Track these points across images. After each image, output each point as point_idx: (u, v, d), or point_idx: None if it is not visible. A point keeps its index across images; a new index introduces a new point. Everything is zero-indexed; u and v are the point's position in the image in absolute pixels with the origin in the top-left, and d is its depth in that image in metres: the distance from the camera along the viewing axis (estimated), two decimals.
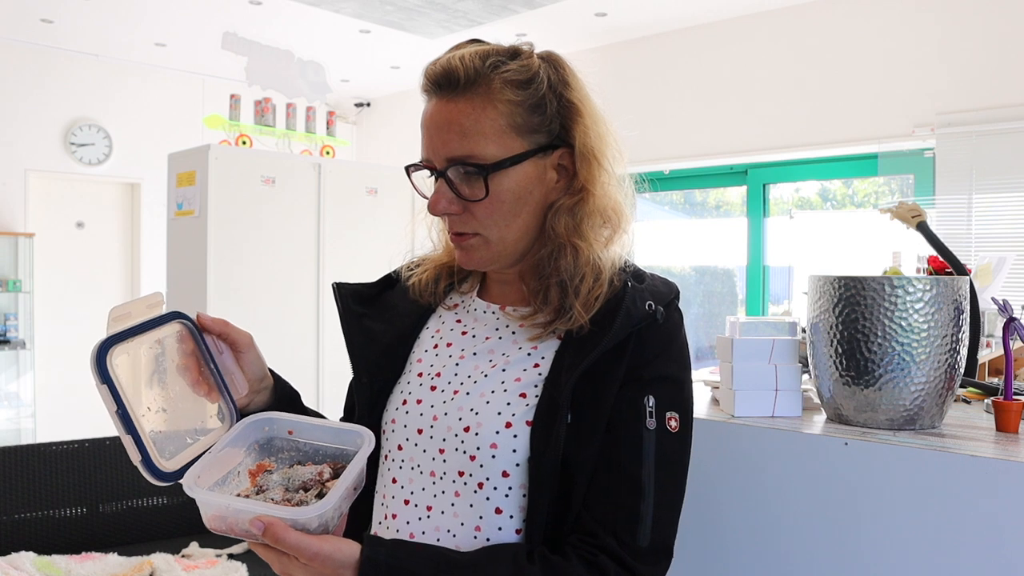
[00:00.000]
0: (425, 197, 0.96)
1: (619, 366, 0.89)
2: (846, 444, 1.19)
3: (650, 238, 5.43)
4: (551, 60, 0.94)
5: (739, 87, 4.71)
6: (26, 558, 2.36)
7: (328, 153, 3.99)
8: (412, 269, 1.07)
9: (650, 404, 0.89)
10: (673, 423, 0.91)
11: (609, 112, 0.97)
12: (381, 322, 1.04)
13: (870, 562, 1.16)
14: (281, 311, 3.60)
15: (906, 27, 4.12)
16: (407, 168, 0.97)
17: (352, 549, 0.79)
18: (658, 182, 5.39)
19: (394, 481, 0.95)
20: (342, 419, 1.12)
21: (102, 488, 2.68)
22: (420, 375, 0.98)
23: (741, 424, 1.31)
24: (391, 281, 1.10)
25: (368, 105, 7.01)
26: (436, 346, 1.00)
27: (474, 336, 0.99)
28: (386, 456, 0.97)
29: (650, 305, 0.92)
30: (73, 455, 2.66)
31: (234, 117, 3.84)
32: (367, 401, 0.99)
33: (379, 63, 5.86)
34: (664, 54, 5.05)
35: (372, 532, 0.97)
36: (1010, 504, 1.05)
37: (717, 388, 1.49)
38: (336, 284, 1.07)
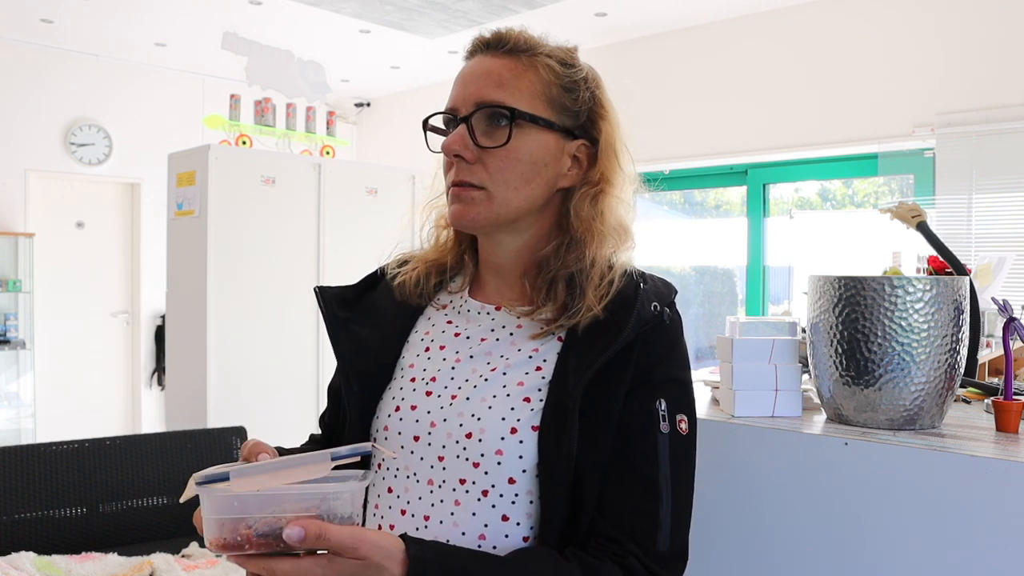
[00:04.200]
0: (434, 151, 0.96)
1: (626, 368, 0.88)
2: (846, 444, 1.19)
3: (650, 238, 5.43)
4: (591, 66, 0.98)
5: (739, 87, 4.71)
6: (26, 558, 2.35)
7: (328, 153, 3.99)
8: (398, 268, 1.04)
9: (662, 408, 0.89)
10: (683, 425, 0.90)
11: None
12: (367, 326, 0.99)
13: (870, 562, 1.16)
14: (281, 311, 3.60)
15: (906, 27, 4.12)
16: (425, 120, 0.96)
17: (394, 540, 0.75)
18: (658, 182, 5.37)
19: (390, 491, 0.92)
20: (321, 419, 1.08)
21: (102, 488, 2.68)
22: (413, 380, 0.94)
23: (741, 424, 1.31)
24: (373, 281, 1.06)
25: (368, 105, 7.00)
26: (428, 349, 0.96)
27: (468, 338, 0.95)
28: (379, 465, 0.94)
29: (655, 306, 0.91)
30: (73, 455, 2.66)
31: (234, 117, 3.84)
32: (358, 409, 0.94)
33: (379, 63, 5.86)
34: (664, 54, 5.05)
35: None
36: (1010, 504, 1.05)
37: (717, 388, 1.49)
38: (318, 289, 1.03)
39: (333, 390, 1.06)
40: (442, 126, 0.95)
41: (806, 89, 4.46)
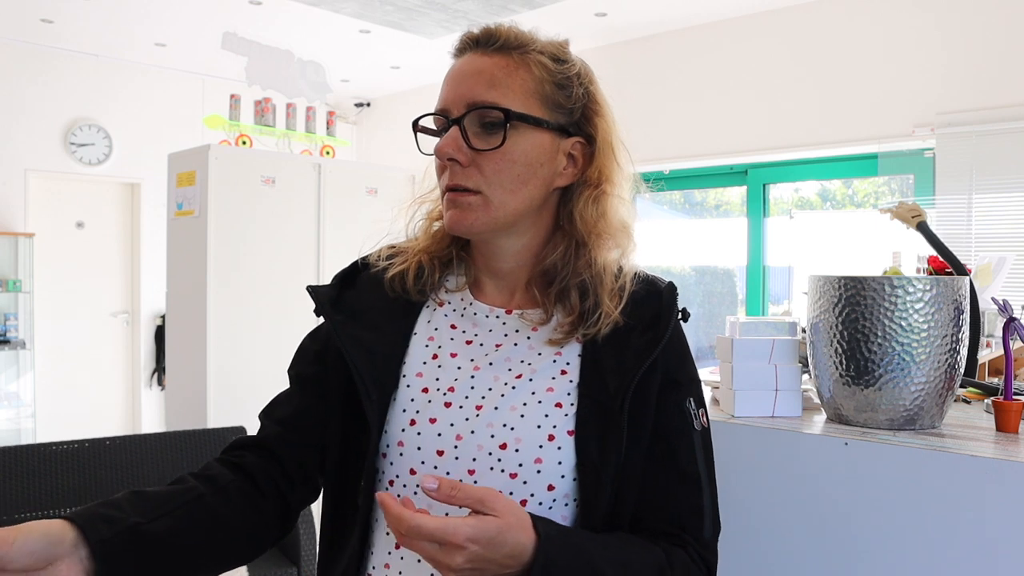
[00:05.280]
0: (425, 154, 0.93)
1: (655, 368, 0.89)
2: (846, 444, 1.19)
3: (650, 238, 5.43)
4: (584, 60, 0.96)
5: (739, 87, 4.71)
6: None
7: (328, 153, 3.99)
8: (388, 260, 0.98)
9: (692, 406, 0.92)
10: (705, 420, 0.94)
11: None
12: (365, 328, 0.92)
13: (870, 562, 1.16)
14: (281, 311, 3.60)
15: (906, 27, 4.12)
16: (415, 121, 0.93)
17: (523, 511, 0.76)
18: (654, 182, 5.38)
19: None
20: (270, 413, 0.97)
21: (102, 488, 2.68)
22: (425, 391, 0.89)
23: (741, 424, 1.31)
24: (351, 275, 0.99)
25: (368, 105, 7.00)
26: (436, 356, 0.92)
27: (482, 344, 0.92)
28: (391, 482, 0.88)
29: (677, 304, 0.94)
30: (73, 455, 2.66)
31: (234, 117, 3.84)
32: (378, 423, 0.88)
33: (379, 63, 5.86)
34: (664, 54, 5.05)
35: (374, 567, 0.89)
36: (1010, 504, 1.05)
37: (717, 388, 1.49)
38: (312, 289, 0.96)
39: (303, 378, 0.97)
40: (433, 126, 0.93)
41: (806, 89, 4.46)
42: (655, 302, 0.93)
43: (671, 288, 0.95)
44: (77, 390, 5.82)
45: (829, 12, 4.39)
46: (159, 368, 6.06)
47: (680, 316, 0.94)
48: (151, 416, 6.02)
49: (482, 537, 0.71)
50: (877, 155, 4.31)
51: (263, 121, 3.90)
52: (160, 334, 5.99)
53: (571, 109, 0.91)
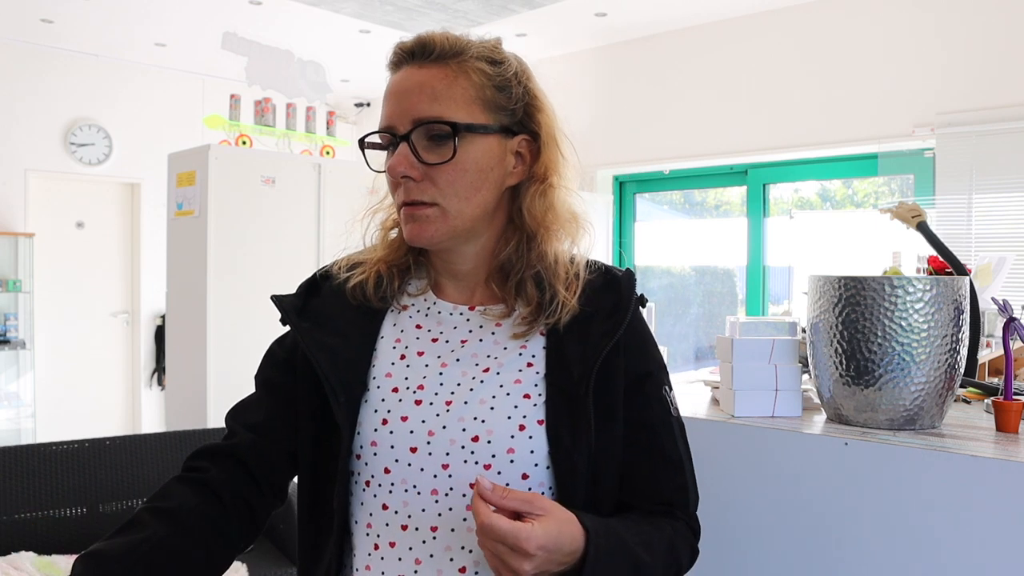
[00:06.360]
0: (376, 171, 0.95)
1: (618, 354, 0.91)
2: (846, 444, 1.19)
3: (650, 238, 5.42)
4: (517, 55, 0.97)
5: (739, 87, 4.71)
6: (26, 558, 2.35)
7: (328, 153, 3.99)
8: (349, 271, 0.99)
9: (668, 395, 0.96)
10: (676, 402, 0.98)
11: (571, 122, 0.99)
12: (331, 335, 0.94)
13: (870, 562, 1.16)
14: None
15: (906, 27, 4.13)
16: (361, 140, 0.94)
17: (562, 507, 0.80)
18: (658, 182, 5.40)
19: (384, 508, 0.88)
20: (235, 416, 0.98)
21: (102, 488, 2.68)
22: (395, 390, 0.90)
23: (741, 424, 1.31)
24: (312, 286, 1.01)
25: (368, 105, 7.00)
26: (403, 357, 0.93)
27: (448, 341, 0.94)
28: (367, 483, 0.89)
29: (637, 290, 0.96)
30: (73, 455, 2.66)
31: (234, 117, 3.84)
32: (348, 425, 0.89)
33: (379, 63, 5.84)
34: (664, 54, 5.05)
35: (356, 568, 0.91)
36: (1010, 504, 1.05)
37: (717, 388, 1.49)
38: (277, 299, 0.98)
39: (271, 384, 0.99)
40: (380, 143, 0.94)
41: (806, 89, 4.46)
42: (614, 290, 0.95)
43: (629, 275, 0.97)
44: (77, 390, 5.82)
45: (829, 12, 4.39)
46: (159, 368, 6.06)
47: (640, 300, 0.96)
48: (151, 416, 6.02)
49: (550, 543, 0.76)
50: (877, 155, 4.31)
51: (263, 121, 3.90)
52: (160, 334, 5.99)
53: (513, 109, 0.93)
